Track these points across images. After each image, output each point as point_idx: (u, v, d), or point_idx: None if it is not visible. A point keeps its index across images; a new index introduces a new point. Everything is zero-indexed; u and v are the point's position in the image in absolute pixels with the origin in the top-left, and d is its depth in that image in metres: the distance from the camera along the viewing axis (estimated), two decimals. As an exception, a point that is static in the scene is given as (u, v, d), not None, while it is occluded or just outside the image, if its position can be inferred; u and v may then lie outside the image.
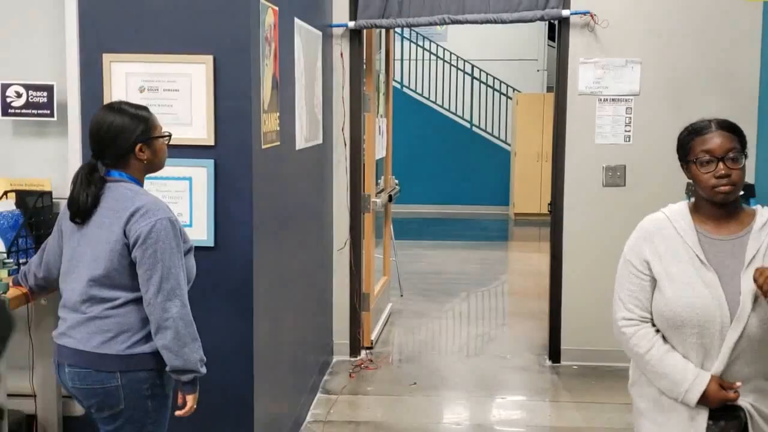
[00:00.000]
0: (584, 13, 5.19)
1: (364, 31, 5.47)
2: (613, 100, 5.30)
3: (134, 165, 2.67)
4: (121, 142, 2.63)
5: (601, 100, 5.30)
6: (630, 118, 5.30)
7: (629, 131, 5.31)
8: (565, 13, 5.19)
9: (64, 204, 2.75)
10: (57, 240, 2.77)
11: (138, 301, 2.59)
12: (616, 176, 5.34)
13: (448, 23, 5.30)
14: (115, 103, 2.74)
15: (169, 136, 2.75)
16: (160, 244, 2.55)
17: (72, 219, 2.66)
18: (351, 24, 5.33)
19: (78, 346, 2.60)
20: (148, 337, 2.59)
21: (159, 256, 2.54)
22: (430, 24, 5.40)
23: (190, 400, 2.65)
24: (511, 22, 5.25)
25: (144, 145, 2.66)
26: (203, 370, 2.63)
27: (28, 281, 2.93)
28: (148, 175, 2.76)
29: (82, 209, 2.62)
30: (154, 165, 2.73)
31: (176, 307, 2.55)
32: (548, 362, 5.52)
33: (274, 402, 3.86)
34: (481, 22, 5.29)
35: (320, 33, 4.85)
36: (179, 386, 2.64)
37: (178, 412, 2.66)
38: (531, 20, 5.29)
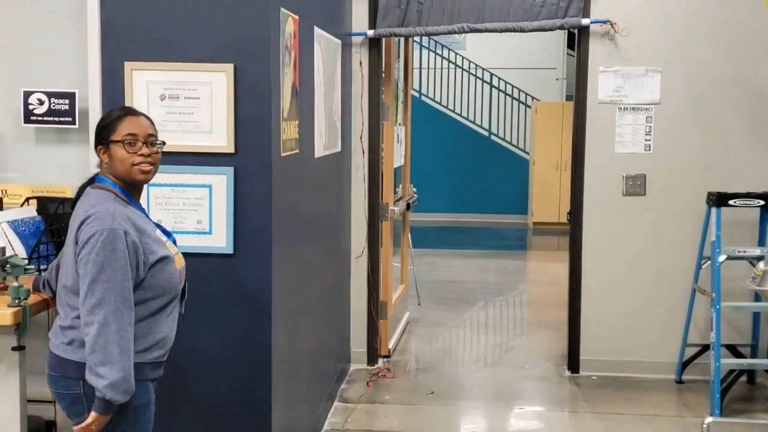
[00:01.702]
0: (604, 22, 5.17)
1: (383, 39, 5.47)
2: (633, 108, 5.27)
3: (103, 168, 2.67)
4: (95, 142, 2.68)
5: (621, 108, 5.28)
6: (650, 127, 5.28)
7: (649, 140, 5.28)
8: (585, 21, 5.18)
9: None
10: None
11: None
12: (636, 185, 5.31)
13: (468, 32, 5.30)
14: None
15: (131, 138, 2.62)
16: (92, 255, 2.47)
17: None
18: (370, 33, 5.34)
19: (52, 350, 2.63)
20: None
21: (89, 267, 2.47)
22: (449, 32, 5.39)
23: (90, 418, 2.48)
24: (531, 30, 5.24)
25: (103, 147, 2.65)
26: (109, 394, 2.43)
27: (45, 288, 2.96)
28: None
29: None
30: (116, 171, 2.64)
31: (96, 324, 2.45)
32: (567, 372, 5.48)
33: (291, 410, 3.85)
34: (501, 31, 5.28)
35: (339, 41, 4.86)
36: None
37: (74, 427, 2.54)
38: (551, 29, 5.28)
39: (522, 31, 5.24)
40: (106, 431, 2.54)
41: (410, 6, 5.28)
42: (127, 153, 2.62)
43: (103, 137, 2.65)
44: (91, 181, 2.70)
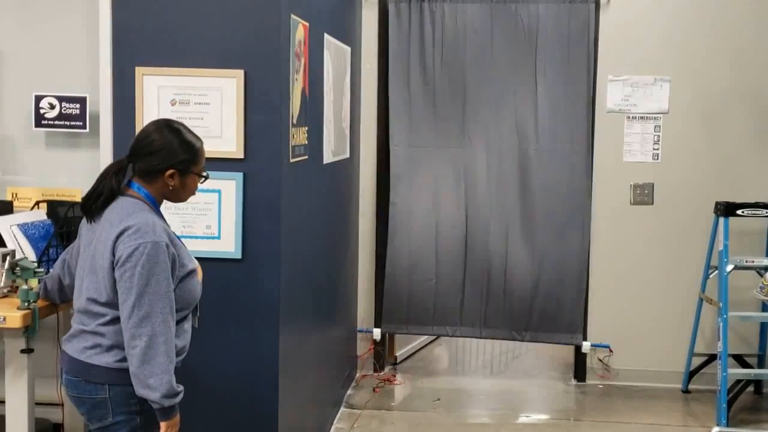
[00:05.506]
0: (605, 347, 5.36)
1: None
2: (641, 118, 5.27)
3: (158, 186, 2.62)
4: (159, 159, 2.58)
5: (629, 117, 5.28)
6: (659, 136, 5.28)
7: (658, 149, 5.29)
8: (586, 345, 5.36)
9: None
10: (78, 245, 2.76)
11: None
12: (644, 194, 5.31)
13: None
14: (176, 122, 2.69)
15: (206, 178, 2.69)
16: (138, 268, 2.45)
17: (82, 209, 2.65)
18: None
19: (74, 354, 2.58)
20: None
21: (135, 280, 2.45)
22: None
23: (163, 427, 2.51)
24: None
25: (177, 173, 2.60)
26: (166, 403, 2.47)
27: (54, 297, 2.93)
28: None
29: (96, 202, 2.60)
30: (178, 196, 2.67)
31: (146, 336, 2.43)
32: (573, 381, 5.48)
33: (298, 415, 3.86)
34: None
35: (349, 48, 4.88)
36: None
37: None
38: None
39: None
40: None
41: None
42: (198, 186, 2.69)
43: (186, 165, 2.62)
44: (123, 168, 2.63)
